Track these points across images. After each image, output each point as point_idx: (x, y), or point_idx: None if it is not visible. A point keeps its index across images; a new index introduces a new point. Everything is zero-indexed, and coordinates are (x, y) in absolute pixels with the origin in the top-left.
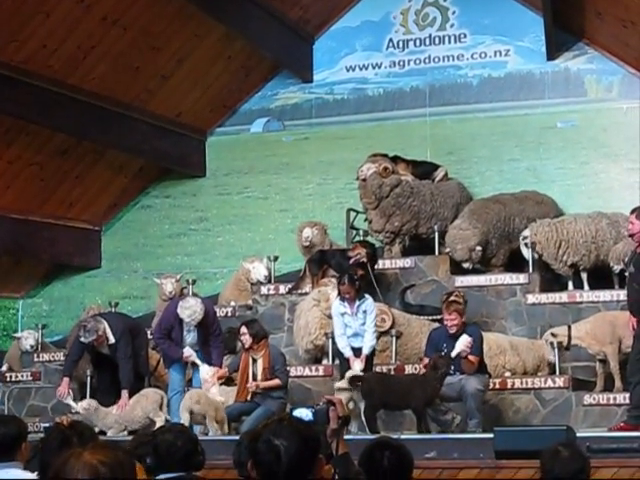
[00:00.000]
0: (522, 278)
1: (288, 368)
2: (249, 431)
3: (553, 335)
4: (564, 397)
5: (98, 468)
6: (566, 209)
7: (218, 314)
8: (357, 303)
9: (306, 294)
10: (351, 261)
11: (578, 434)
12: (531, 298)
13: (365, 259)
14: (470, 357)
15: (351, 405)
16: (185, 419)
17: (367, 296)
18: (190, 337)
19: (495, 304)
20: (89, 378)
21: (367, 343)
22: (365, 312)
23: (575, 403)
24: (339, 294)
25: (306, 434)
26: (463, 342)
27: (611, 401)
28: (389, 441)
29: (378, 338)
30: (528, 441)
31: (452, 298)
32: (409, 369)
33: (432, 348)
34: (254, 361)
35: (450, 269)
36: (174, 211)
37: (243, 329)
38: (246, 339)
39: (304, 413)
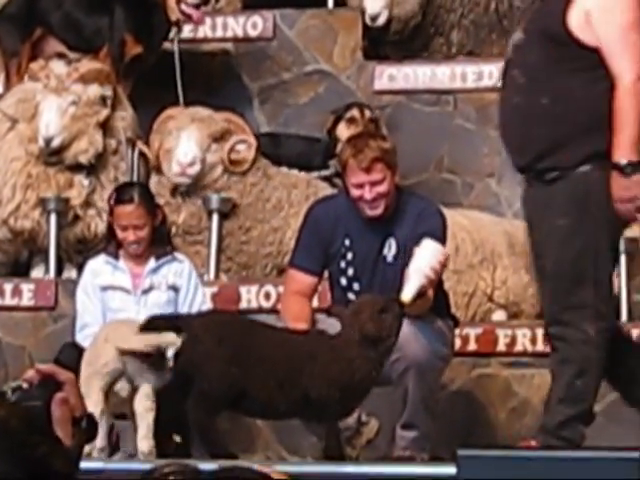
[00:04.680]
0: None
1: None
2: None
3: None
4: None
5: None
6: None
7: None
8: (152, 265)
9: None
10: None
11: None
12: None
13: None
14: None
15: (124, 390)
16: None
17: (181, 256)
18: None
19: (474, 136)
20: None
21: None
22: (175, 288)
23: None
24: (108, 241)
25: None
26: (431, 254)
27: None
28: None
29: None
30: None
31: (362, 129)
32: (250, 297)
33: (315, 252)
34: None
35: (363, 44)
36: None
37: None
38: None
39: None
